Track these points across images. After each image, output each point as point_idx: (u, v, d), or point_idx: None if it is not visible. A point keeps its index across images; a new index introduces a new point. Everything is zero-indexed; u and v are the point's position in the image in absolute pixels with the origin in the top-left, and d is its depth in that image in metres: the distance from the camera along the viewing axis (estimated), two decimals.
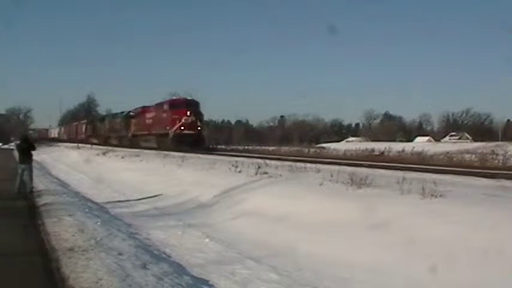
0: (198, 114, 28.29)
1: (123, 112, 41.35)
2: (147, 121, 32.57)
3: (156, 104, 32.11)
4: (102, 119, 49.61)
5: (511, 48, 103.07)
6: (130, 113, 37.83)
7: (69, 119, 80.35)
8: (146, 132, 32.02)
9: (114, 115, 44.19)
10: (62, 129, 71.84)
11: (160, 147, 26.97)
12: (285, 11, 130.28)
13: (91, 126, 52.55)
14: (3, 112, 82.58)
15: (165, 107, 29.32)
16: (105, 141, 42.44)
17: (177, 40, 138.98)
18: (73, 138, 54.78)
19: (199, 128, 27.86)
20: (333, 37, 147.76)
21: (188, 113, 27.32)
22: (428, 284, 5.29)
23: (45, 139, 68.94)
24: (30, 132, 71.52)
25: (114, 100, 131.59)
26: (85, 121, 58.04)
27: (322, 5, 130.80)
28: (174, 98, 30.87)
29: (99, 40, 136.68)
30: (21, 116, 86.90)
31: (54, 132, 77.90)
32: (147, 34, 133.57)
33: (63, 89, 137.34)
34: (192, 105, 28.48)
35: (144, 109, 34.23)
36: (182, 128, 26.92)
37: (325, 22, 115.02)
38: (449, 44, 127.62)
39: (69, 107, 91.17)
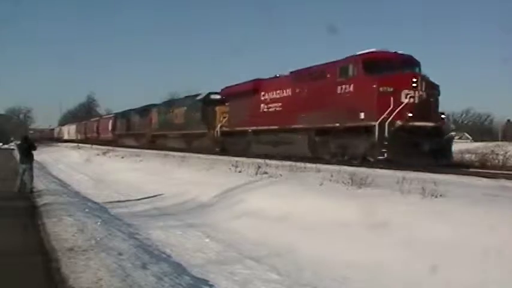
0: (431, 86, 13.64)
1: (196, 95, 26.09)
2: (275, 106, 17.57)
3: (297, 72, 16.71)
4: (144, 110, 33.45)
5: (511, 48, 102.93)
6: (212, 97, 23.33)
7: (70, 117, 79.83)
8: (274, 127, 17.29)
9: (171, 102, 29.27)
10: (75, 127, 61.28)
11: (322, 155, 14.75)
12: (285, 11, 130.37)
13: (123, 122, 38.00)
14: (3, 112, 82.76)
15: (351, 70, 14.07)
16: (152, 142, 29.79)
17: (177, 40, 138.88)
18: (92, 139, 45.10)
19: (442, 117, 14.13)
20: (332, 37, 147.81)
21: (414, 81, 13.01)
22: (428, 284, 5.29)
23: (51, 139, 66.84)
24: (31, 132, 71.34)
25: (114, 100, 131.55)
26: (112, 115, 44.55)
27: (322, 5, 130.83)
28: (368, 51, 14.23)
29: (99, 40, 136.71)
30: (21, 116, 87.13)
31: (61, 132, 71.23)
32: (147, 34, 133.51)
33: (63, 89, 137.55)
34: (415, 68, 14.15)
35: (260, 83, 18.82)
36: (410, 114, 12.62)
37: (325, 21, 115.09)
38: (449, 44, 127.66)
39: (69, 107, 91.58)
